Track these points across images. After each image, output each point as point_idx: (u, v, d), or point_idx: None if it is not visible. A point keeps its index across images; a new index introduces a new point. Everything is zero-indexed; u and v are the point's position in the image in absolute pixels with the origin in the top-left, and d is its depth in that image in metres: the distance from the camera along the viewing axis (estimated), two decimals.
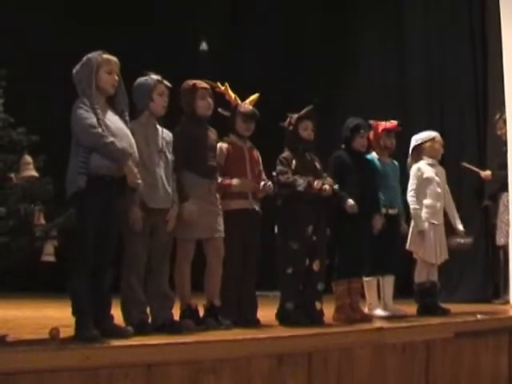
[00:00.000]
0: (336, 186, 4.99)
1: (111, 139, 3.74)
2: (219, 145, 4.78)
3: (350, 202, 5.09)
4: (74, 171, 3.75)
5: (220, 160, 4.73)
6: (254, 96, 4.97)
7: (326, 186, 4.89)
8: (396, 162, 5.98)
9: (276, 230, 4.95)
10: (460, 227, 6.09)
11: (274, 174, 4.94)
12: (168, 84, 4.35)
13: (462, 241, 6.13)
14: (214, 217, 4.51)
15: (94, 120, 3.76)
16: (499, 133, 7.56)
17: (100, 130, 3.74)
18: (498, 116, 7.53)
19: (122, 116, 4.00)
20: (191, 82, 4.62)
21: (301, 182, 4.82)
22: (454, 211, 6.10)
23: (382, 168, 5.78)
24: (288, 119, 5.06)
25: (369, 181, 5.41)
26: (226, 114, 4.87)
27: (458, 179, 8.03)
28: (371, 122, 5.86)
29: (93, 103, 3.81)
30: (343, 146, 5.45)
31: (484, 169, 7.78)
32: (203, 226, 4.43)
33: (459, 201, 7.64)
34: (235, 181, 4.68)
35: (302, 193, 4.82)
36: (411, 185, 5.96)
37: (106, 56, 3.94)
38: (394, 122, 5.86)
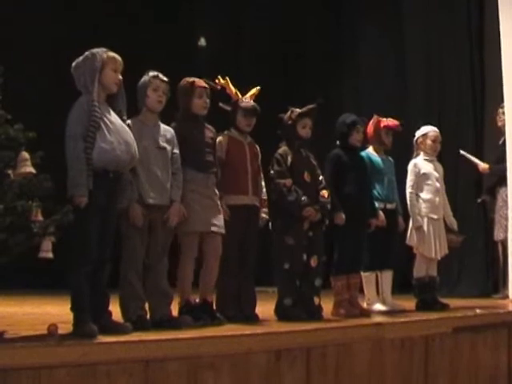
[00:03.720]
0: (328, 206, 4.97)
1: (82, 164, 3.65)
2: (219, 138, 4.76)
3: (341, 215, 5.11)
4: (78, 173, 3.65)
5: (220, 153, 4.71)
6: (255, 90, 4.95)
7: (318, 215, 4.87)
8: (391, 158, 5.98)
9: (270, 225, 4.95)
10: (454, 225, 6.08)
11: (271, 172, 4.91)
12: (163, 78, 4.32)
13: (455, 238, 6.12)
14: (211, 211, 4.47)
15: (81, 127, 3.71)
16: (500, 124, 7.55)
17: (81, 143, 3.68)
18: (503, 104, 7.49)
19: (119, 116, 3.98)
20: (190, 79, 4.59)
21: (293, 198, 4.79)
22: (448, 208, 6.10)
23: (380, 163, 5.79)
24: (289, 113, 5.03)
25: (364, 178, 5.42)
26: (227, 108, 4.85)
27: (455, 174, 8.07)
28: (375, 115, 5.86)
29: (95, 99, 3.79)
30: (338, 142, 5.43)
31: (481, 162, 7.78)
32: (202, 220, 4.41)
33: (456, 196, 7.67)
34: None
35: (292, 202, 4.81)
36: (409, 181, 5.97)
37: (112, 54, 3.92)
38: (396, 121, 5.87)
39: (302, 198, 4.81)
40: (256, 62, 9.92)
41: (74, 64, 3.91)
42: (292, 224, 4.85)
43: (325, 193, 4.98)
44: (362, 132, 5.45)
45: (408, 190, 5.95)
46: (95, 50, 3.90)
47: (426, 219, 5.88)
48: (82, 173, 3.65)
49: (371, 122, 5.87)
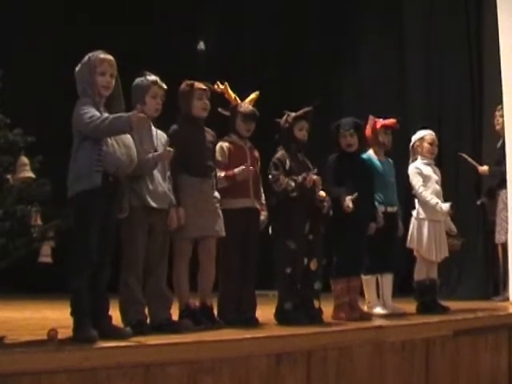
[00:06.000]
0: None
1: (110, 116, 3.66)
2: (220, 144, 4.76)
3: (347, 201, 5.07)
4: (84, 169, 3.64)
5: (223, 158, 4.71)
6: (254, 95, 4.94)
7: (317, 178, 4.85)
8: (391, 160, 5.96)
9: (270, 230, 4.93)
10: (453, 228, 6.07)
11: (270, 176, 4.89)
12: (163, 85, 4.31)
13: (454, 242, 6.11)
14: (209, 216, 4.47)
15: (93, 111, 3.67)
16: (497, 127, 7.55)
17: (98, 115, 3.66)
18: (500, 107, 7.49)
19: None
20: (189, 82, 4.59)
21: (293, 187, 4.78)
22: None
23: (380, 166, 5.77)
24: (285, 117, 5.01)
25: (364, 181, 5.38)
26: (226, 113, 4.84)
27: (455, 177, 8.07)
28: (371, 117, 5.84)
29: (94, 102, 3.77)
30: (337, 147, 5.42)
31: (480, 165, 7.77)
32: (198, 226, 4.41)
33: (456, 198, 7.66)
34: (237, 170, 4.62)
35: (297, 197, 4.79)
36: (417, 182, 5.89)
37: (100, 56, 3.84)
38: (392, 120, 5.85)
39: (299, 177, 4.78)
40: (256, 63, 9.91)
41: (76, 69, 3.86)
42: (293, 227, 4.83)
43: (323, 194, 4.97)
44: (351, 135, 5.35)
45: (419, 190, 5.85)
46: (91, 54, 3.85)
47: (426, 222, 5.86)
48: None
49: (368, 124, 5.84)
